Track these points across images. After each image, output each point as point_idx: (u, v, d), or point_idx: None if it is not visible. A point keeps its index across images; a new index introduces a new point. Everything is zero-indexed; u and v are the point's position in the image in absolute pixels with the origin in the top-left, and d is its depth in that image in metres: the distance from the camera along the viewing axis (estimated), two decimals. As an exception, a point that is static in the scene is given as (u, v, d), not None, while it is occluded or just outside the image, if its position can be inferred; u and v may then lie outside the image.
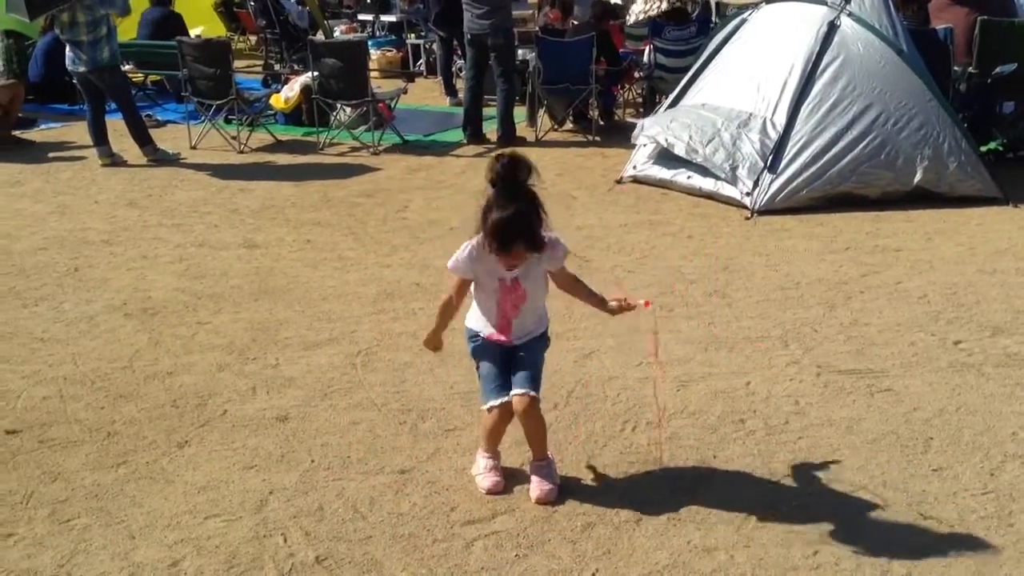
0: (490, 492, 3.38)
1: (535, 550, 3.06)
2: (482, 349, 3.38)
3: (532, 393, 3.29)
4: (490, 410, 3.34)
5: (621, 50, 10.95)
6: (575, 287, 3.42)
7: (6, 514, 3.31)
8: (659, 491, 3.40)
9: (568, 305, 5.06)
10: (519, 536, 3.14)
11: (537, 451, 3.42)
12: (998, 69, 8.21)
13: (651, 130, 7.61)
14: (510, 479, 3.45)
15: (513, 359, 3.35)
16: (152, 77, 12.37)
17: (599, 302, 3.42)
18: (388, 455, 3.67)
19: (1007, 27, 8.36)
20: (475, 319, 3.38)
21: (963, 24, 8.45)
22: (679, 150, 7.32)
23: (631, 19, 11.74)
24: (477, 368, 3.45)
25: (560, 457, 3.61)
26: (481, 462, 3.48)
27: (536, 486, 3.35)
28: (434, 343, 3.48)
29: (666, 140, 7.43)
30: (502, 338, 3.33)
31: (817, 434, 3.77)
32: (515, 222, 3.04)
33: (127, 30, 11.34)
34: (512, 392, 3.30)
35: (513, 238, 3.06)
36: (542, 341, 3.41)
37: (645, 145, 7.86)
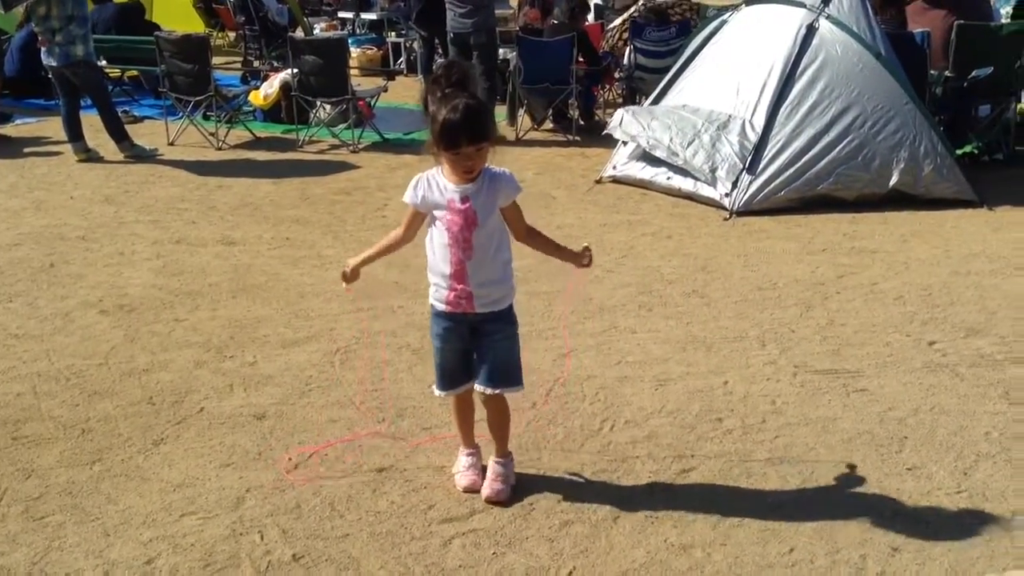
0: (467, 491, 3.36)
1: (512, 548, 3.07)
2: (439, 324, 3.22)
3: (489, 392, 3.24)
4: (442, 396, 3.38)
5: (600, 51, 10.98)
6: (535, 237, 3.27)
7: (-21, 511, 3.27)
8: (636, 489, 3.41)
9: (547, 304, 5.08)
10: (496, 534, 3.14)
11: (497, 446, 3.40)
12: (974, 73, 8.30)
13: (631, 128, 7.63)
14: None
15: (478, 341, 3.21)
16: (129, 73, 12.28)
17: (567, 253, 3.29)
18: (365, 453, 3.66)
19: (984, 31, 8.45)
20: (432, 287, 3.20)
21: (940, 28, 8.53)
22: (660, 152, 7.35)
23: (616, 22, 11.78)
24: (434, 346, 3.30)
25: (538, 455, 3.61)
26: (461, 460, 3.46)
27: (488, 484, 3.33)
28: (353, 272, 3.28)
29: (647, 142, 7.46)
30: (462, 307, 3.13)
31: (793, 433, 3.80)
32: (462, 112, 2.91)
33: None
34: (479, 387, 3.25)
35: (460, 129, 2.93)
36: (509, 325, 3.23)
37: (625, 144, 7.88)
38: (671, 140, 7.30)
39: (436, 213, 3.12)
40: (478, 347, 3.23)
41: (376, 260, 3.34)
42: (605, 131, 8.06)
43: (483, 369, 3.24)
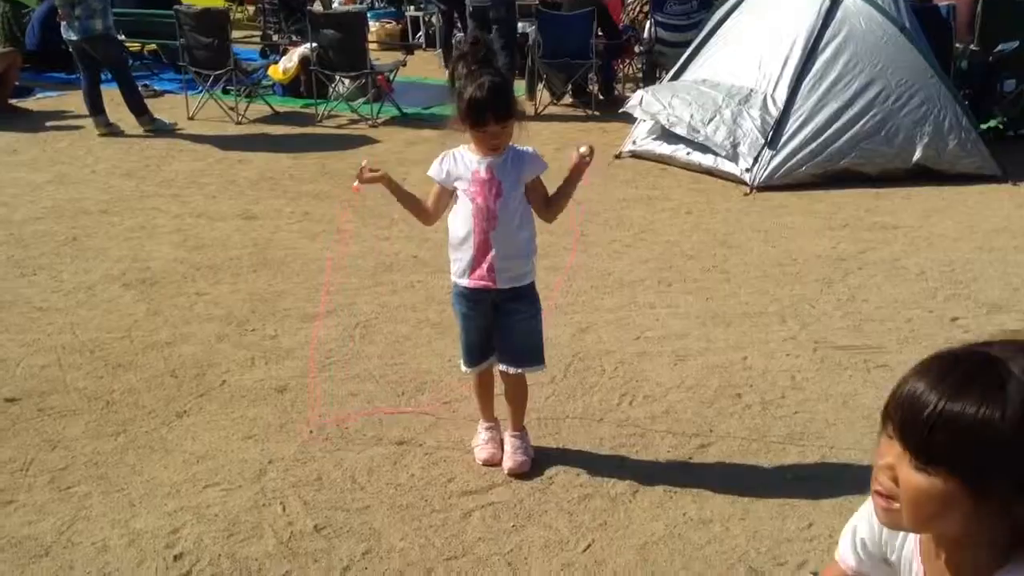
0: (487, 463, 3.39)
1: (532, 521, 3.09)
2: (463, 303, 3.22)
3: (512, 371, 3.28)
4: (466, 372, 3.39)
5: (620, 25, 10.90)
6: (553, 201, 3.20)
7: (6, 481, 3.32)
8: (655, 464, 3.42)
9: (567, 279, 5.08)
10: (516, 507, 3.16)
11: (514, 420, 3.43)
12: (1000, 47, 8.20)
13: (651, 107, 7.58)
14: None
15: (500, 318, 3.20)
16: (149, 47, 12.30)
17: (572, 176, 3.17)
18: (386, 426, 3.68)
19: (1010, 4, 8.33)
20: (453, 263, 3.21)
21: (966, 1, 8.41)
22: (681, 130, 7.31)
23: None
24: (458, 323, 3.32)
25: (557, 429, 3.63)
26: (480, 434, 3.49)
27: (510, 457, 3.36)
28: (378, 178, 3.20)
29: (668, 120, 7.41)
30: (484, 280, 3.13)
31: (813, 409, 3.79)
32: (488, 89, 2.93)
33: None
34: (502, 367, 3.29)
35: (487, 106, 2.95)
36: (531, 304, 3.22)
37: (644, 120, 7.84)
38: (691, 117, 7.25)
39: (460, 185, 3.13)
40: (501, 326, 3.24)
41: (399, 198, 3.26)
42: (623, 109, 8.01)
43: (505, 348, 3.26)
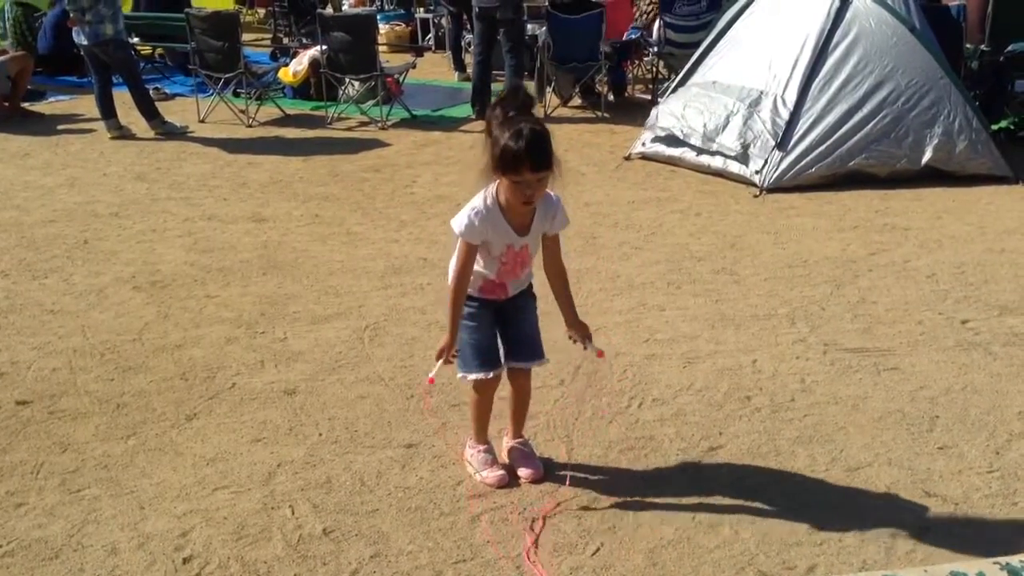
0: (499, 486, 3.27)
1: (540, 524, 3.08)
2: (473, 307, 3.15)
3: (530, 366, 3.27)
4: (476, 382, 3.21)
5: (630, 26, 10.89)
6: (560, 272, 3.20)
7: (17, 484, 3.34)
8: (664, 467, 3.41)
9: (576, 281, 5.06)
10: (525, 511, 3.15)
11: (517, 428, 3.41)
12: (1011, 47, 8.16)
13: (665, 122, 7.59)
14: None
15: (508, 320, 3.21)
16: (158, 50, 12.35)
17: (569, 307, 3.22)
18: (395, 429, 3.69)
19: (1020, 4, 8.29)
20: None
21: (976, 1, 8.38)
22: (695, 140, 7.32)
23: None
24: (460, 334, 3.16)
25: (566, 432, 3.62)
26: (481, 456, 3.36)
27: (528, 465, 3.33)
28: (452, 347, 3.08)
29: (682, 132, 7.41)
30: (497, 294, 3.16)
31: (823, 412, 3.78)
32: (527, 139, 2.81)
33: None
34: (513, 364, 3.24)
35: (524, 156, 2.81)
36: (533, 298, 3.26)
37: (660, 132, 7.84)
38: (704, 126, 7.26)
39: (491, 249, 3.07)
40: (510, 323, 3.22)
41: (458, 316, 3.11)
42: (645, 126, 7.98)
43: (521, 344, 3.23)
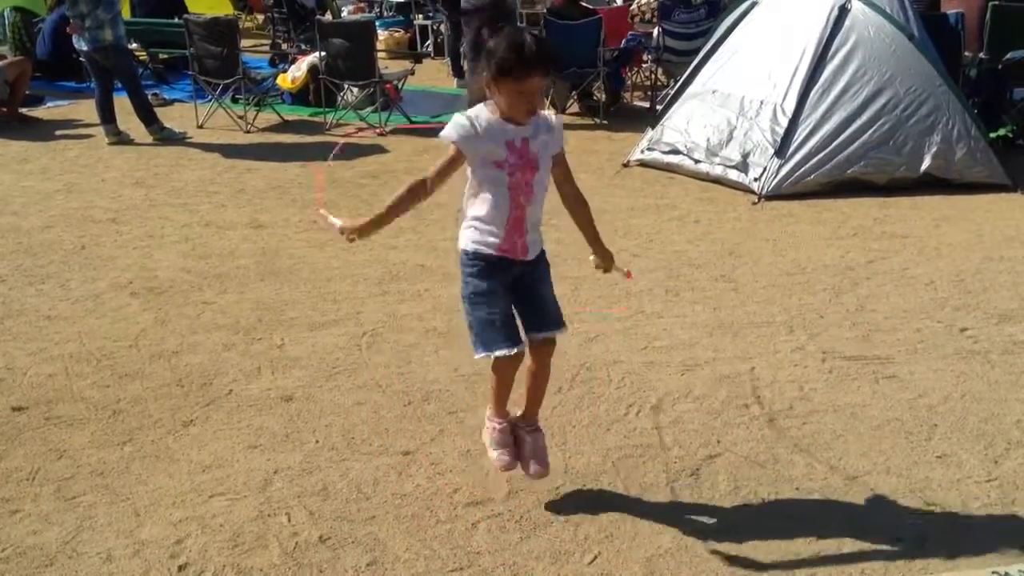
0: (505, 470, 3.18)
1: (538, 532, 3.07)
2: (486, 277, 2.93)
3: (556, 335, 3.05)
4: (498, 360, 2.96)
5: (629, 32, 10.90)
6: (580, 198, 3.06)
7: (12, 490, 3.32)
8: (662, 475, 3.40)
9: (574, 289, 5.06)
10: (522, 518, 3.14)
11: (534, 409, 3.23)
12: (1009, 55, 8.17)
13: (670, 137, 7.60)
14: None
15: (527, 289, 3.00)
16: (160, 55, 12.35)
17: (594, 235, 3.11)
18: (392, 436, 3.67)
19: (1019, 12, 8.30)
20: (475, 232, 2.93)
21: (975, 9, 8.40)
22: (699, 155, 7.33)
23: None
24: (472, 309, 2.97)
25: (564, 440, 3.61)
26: (497, 435, 3.21)
27: (537, 461, 3.19)
28: (364, 230, 2.91)
29: (686, 147, 7.43)
30: (517, 252, 2.93)
31: (821, 420, 3.77)
32: (531, 41, 2.69)
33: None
34: (537, 335, 3.02)
35: (532, 57, 2.67)
36: (547, 264, 3.07)
37: (653, 128, 7.84)
38: (708, 140, 7.28)
39: (492, 156, 2.84)
40: (528, 293, 3.02)
41: (388, 219, 2.96)
42: (648, 146, 7.96)
43: (543, 315, 3.04)
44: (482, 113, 2.86)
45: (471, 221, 2.96)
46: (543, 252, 3.08)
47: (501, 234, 2.91)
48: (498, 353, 2.95)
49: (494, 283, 2.95)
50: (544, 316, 3.06)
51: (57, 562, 2.94)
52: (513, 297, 3.02)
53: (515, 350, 2.96)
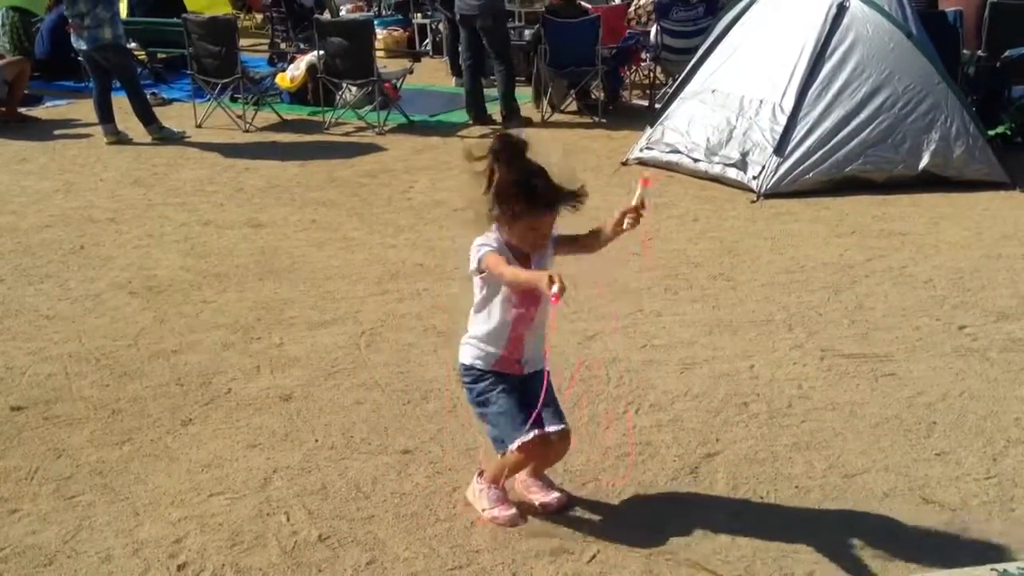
0: (512, 526, 3.09)
1: (537, 530, 3.07)
2: (492, 385, 2.99)
3: (566, 427, 3.01)
4: (523, 446, 2.92)
5: (627, 31, 10.90)
6: (578, 240, 3.10)
7: (11, 490, 3.33)
8: (661, 473, 3.40)
9: (572, 287, 5.05)
10: (521, 517, 3.14)
11: (542, 471, 3.25)
12: (1007, 53, 8.17)
13: (670, 138, 7.60)
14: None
15: (528, 393, 2.98)
16: (159, 55, 12.34)
17: (600, 232, 3.13)
18: (391, 435, 3.68)
19: (1018, 10, 8.31)
20: (476, 349, 3.01)
21: (973, 7, 8.40)
22: (699, 155, 7.32)
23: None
24: (486, 410, 3.01)
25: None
26: (489, 493, 3.15)
27: (548, 492, 3.20)
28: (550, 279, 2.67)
29: (687, 148, 7.43)
30: (513, 370, 3.00)
31: (820, 418, 3.77)
32: (544, 177, 2.79)
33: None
34: (550, 428, 2.95)
35: (549, 195, 2.78)
36: (547, 374, 3.00)
37: (652, 126, 7.83)
38: (708, 141, 7.28)
39: (503, 287, 2.92)
40: (532, 395, 2.97)
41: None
42: (647, 145, 7.95)
43: (551, 408, 3.01)
44: (488, 238, 2.88)
45: (469, 338, 3.04)
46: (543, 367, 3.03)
47: (496, 353, 2.99)
48: (521, 440, 2.91)
49: (503, 383, 3.00)
50: (555, 409, 3.02)
51: (56, 561, 2.94)
52: (518, 391, 3.01)
53: (537, 433, 2.91)
